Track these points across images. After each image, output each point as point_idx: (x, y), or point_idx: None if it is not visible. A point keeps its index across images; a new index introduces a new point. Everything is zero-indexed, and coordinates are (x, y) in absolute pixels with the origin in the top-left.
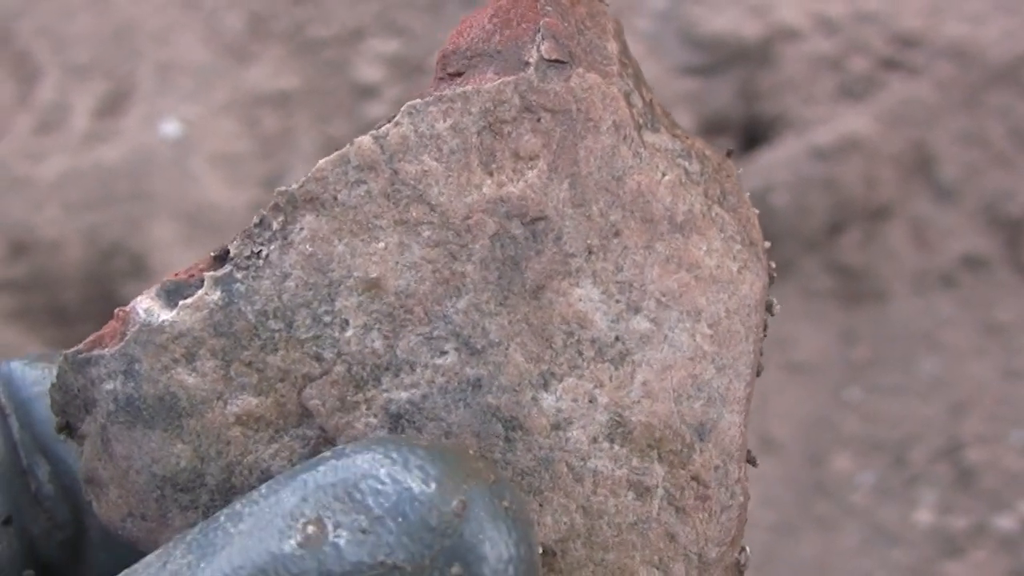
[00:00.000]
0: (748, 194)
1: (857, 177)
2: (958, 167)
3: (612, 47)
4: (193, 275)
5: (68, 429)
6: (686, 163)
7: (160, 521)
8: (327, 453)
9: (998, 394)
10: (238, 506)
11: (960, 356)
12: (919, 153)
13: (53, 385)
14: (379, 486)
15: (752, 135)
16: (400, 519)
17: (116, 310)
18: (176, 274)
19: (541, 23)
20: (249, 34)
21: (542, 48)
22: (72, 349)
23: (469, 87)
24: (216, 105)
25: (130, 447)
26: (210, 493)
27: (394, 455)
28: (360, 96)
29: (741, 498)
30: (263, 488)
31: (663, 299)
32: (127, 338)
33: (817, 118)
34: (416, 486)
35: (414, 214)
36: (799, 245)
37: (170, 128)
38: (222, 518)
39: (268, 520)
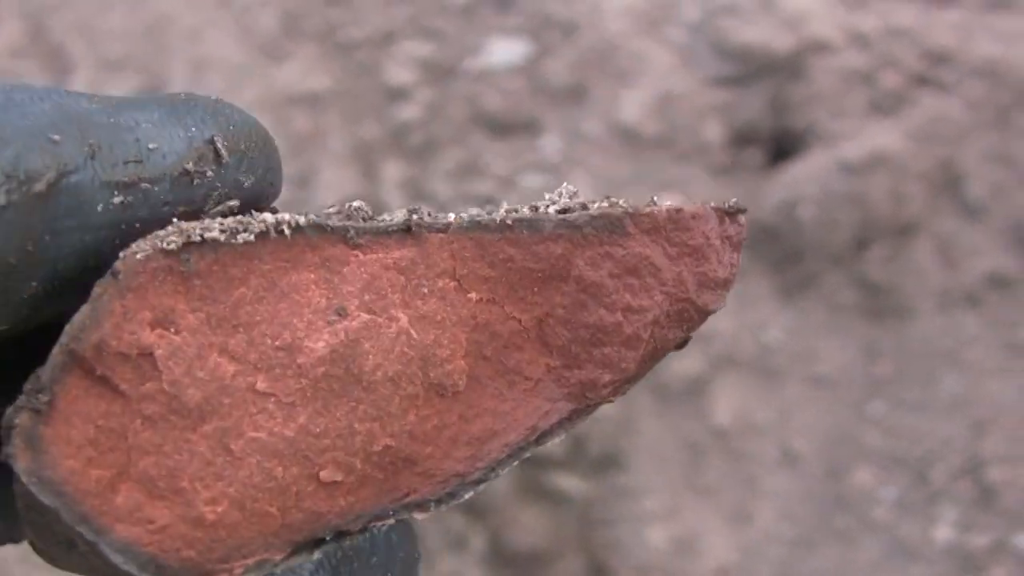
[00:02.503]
0: None
1: (885, 193)
2: (986, 186)
3: None
4: None
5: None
6: None
7: None
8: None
9: (1020, 413)
10: None
11: (983, 374)
12: (947, 171)
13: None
14: None
15: (781, 147)
16: None
17: None
18: None
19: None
20: (282, 33)
21: None
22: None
23: None
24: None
25: None
26: None
27: None
28: (391, 98)
29: None
30: None
31: None
32: None
33: (846, 132)
34: None
35: None
36: (825, 259)
37: None
38: None
39: None
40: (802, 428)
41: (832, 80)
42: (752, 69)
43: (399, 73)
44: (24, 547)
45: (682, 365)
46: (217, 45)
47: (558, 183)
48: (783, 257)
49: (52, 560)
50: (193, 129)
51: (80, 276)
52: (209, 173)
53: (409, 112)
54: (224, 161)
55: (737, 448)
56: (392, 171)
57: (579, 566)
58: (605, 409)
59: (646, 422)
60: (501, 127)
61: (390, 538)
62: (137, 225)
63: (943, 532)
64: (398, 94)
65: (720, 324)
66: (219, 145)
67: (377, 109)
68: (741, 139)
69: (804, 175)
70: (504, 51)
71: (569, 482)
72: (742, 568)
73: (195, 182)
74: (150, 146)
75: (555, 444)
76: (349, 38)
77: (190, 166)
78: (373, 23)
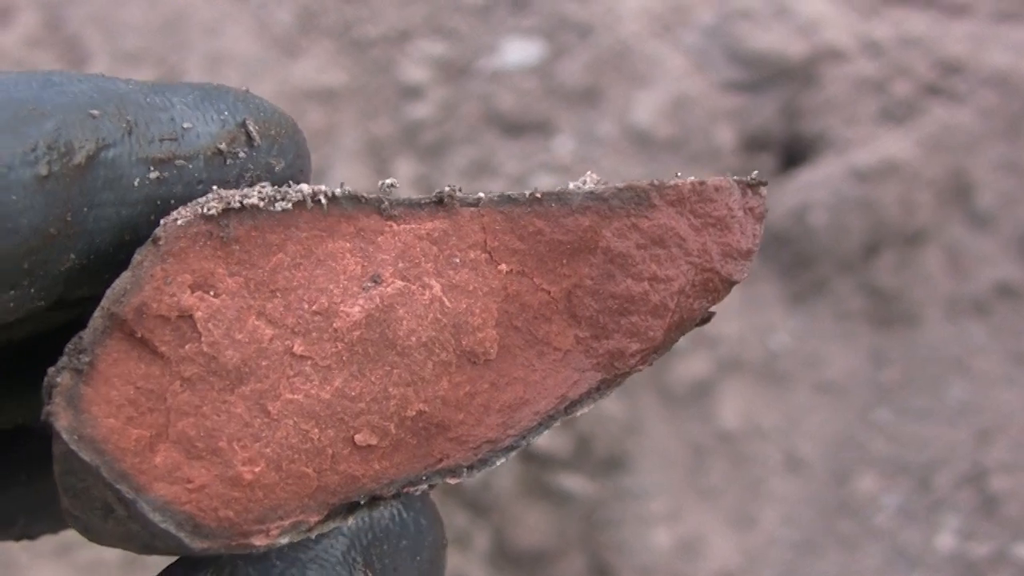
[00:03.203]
0: None
1: (895, 200)
2: (996, 195)
3: None
4: None
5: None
6: None
7: None
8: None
9: None
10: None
11: (989, 383)
12: (958, 179)
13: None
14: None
15: (793, 154)
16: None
17: None
18: None
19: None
20: (298, 29)
21: None
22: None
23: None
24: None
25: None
26: None
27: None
28: (405, 96)
29: None
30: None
31: None
32: None
33: (858, 140)
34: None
35: None
36: (834, 265)
37: None
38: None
39: (332, 565)
40: (807, 433)
41: (844, 87)
42: (765, 75)
43: (414, 71)
44: None
45: (689, 368)
46: (234, 40)
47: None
48: (792, 262)
49: (87, 530)
50: (226, 112)
51: (116, 252)
52: (241, 154)
53: (423, 110)
54: (256, 143)
55: (742, 452)
56: (405, 168)
57: (582, 566)
58: (611, 410)
59: (652, 424)
60: (514, 127)
61: (419, 522)
62: (172, 202)
63: (945, 540)
64: (412, 92)
65: (727, 328)
66: (251, 128)
67: (391, 106)
68: (753, 144)
69: (815, 181)
70: (519, 51)
71: (574, 482)
72: (745, 571)
73: (228, 162)
74: (184, 125)
75: (562, 443)
76: (365, 35)
77: (223, 146)
78: (389, 21)
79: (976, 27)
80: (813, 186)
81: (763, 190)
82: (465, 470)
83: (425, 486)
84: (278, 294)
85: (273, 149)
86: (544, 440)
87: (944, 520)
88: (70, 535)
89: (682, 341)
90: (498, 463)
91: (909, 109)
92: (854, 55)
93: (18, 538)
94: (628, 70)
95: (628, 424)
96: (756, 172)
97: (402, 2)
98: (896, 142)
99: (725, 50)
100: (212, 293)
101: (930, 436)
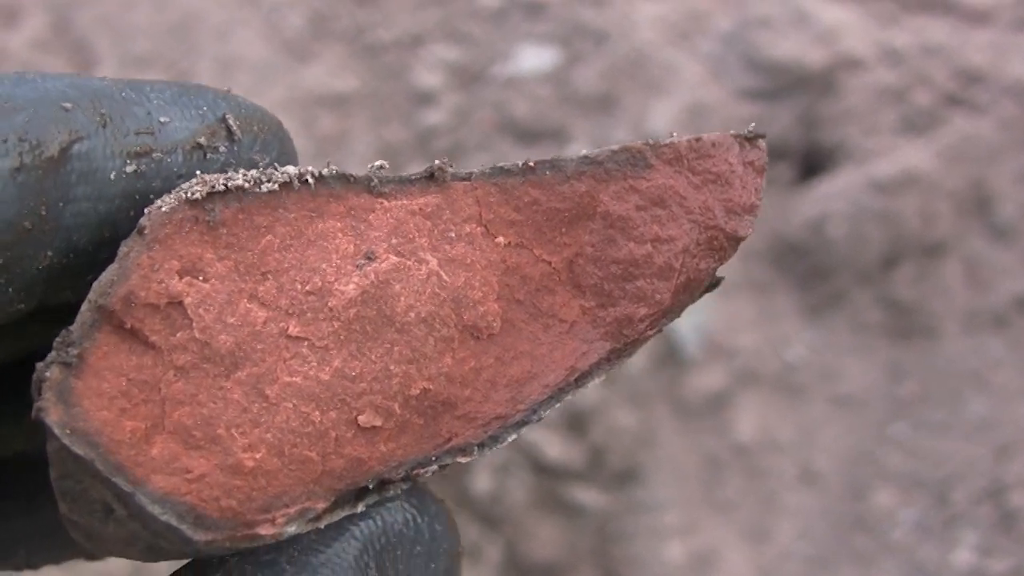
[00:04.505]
0: None
1: (914, 212)
2: (1016, 207)
3: None
4: None
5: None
6: None
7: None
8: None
9: None
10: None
11: (1008, 397)
12: (978, 191)
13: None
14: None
15: (811, 163)
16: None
17: None
18: None
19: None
20: (310, 33)
21: None
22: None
23: None
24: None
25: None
26: None
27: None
28: (418, 102)
29: None
30: (312, 534)
31: None
32: None
33: (877, 150)
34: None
35: None
36: (852, 277)
37: None
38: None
39: (343, 569)
40: (823, 447)
41: (864, 97)
42: (783, 83)
43: (427, 77)
44: None
45: (704, 380)
46: (244, 44)
47: None
48: (810, 274)
49: (88, 537)
50: (204, 108)
51: (97, 251)
52: (222, 148)
53: (436, 116)
54: (237, 138)
55: (757, 465)
56: None
57: None
58: (625, 422)
59: (666, 436)
60: (528, 134)
61: (434, 528)
62: (152, 196)
63: (963, 556)
64: (425, 98)
65: (743, 340)
66: (231, 123)
67: (403, 112)
68: (771, 154)
69: (834, 192)
70: (533, 58)
71: (587, 495)
72: None
73: (208, 156)
74: (161, 119)
75: (575, 455)
76: (377, 40)
77: (203, 140)
78: (402, 25)
79: (997, 36)
80: (831, 197)
81: (761, 143)
82: (476, 448)
83: (435, 467)
84: (269, 276)
85: (255, 145)
86: (557, 452)
87: (962, 536)
88: (74, 564)
89: (697, 353)
90: (509, 439)
91: (929, 119)
92: (873, 64)
93: (20, 568)
94: (644, 78)
95: (642, 436)
96: (753, 124)
97: (415, 7)
98: (916, 153)
99: (742, 58)
100: (201, 278)
101: (948, 451)
